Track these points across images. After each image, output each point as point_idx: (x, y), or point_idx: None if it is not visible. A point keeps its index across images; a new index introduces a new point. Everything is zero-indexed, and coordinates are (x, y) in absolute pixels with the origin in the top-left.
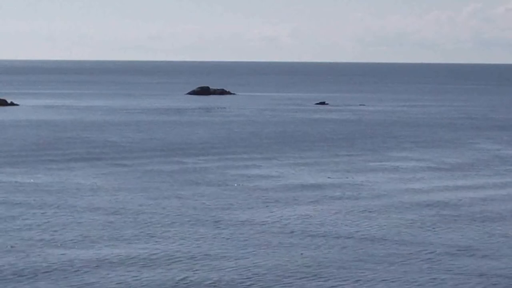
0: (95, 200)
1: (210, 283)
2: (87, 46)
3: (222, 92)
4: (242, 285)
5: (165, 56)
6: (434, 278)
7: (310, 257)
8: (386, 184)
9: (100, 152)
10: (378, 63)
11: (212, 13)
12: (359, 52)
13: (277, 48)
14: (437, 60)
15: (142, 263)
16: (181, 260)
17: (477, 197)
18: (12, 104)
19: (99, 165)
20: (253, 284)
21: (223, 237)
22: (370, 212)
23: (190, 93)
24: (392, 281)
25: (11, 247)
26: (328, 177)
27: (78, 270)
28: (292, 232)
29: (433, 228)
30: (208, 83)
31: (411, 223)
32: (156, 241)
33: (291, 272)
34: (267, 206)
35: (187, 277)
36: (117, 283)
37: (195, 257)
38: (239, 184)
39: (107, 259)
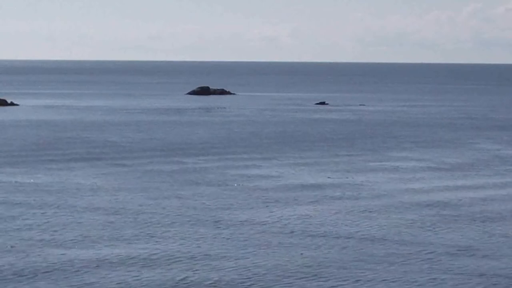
0: (95, 200)
1: (210, 283)
2: (87, 46)
3: (222, 92)
4: (242, 285)
5: (165, 56)
6: (434, 278)
7: (310, 257)
8: (386, 184)
9: (100, 152)
10: (378, 63)
11: (212, 13)
12: (359, 52)
13: (277, 48)
14: (437, 60)
15: (142, 263)
16: (181, 260)
17: (477, 197)
18: (12, 104)
19: (99, 165)
20: (253, 284)
21: (223, 237)
22: (370, 212)
23: (190, 93)
24: (392, 281)
25: (11, 247)
26: (328, 177)
27: (78, 270)
28: (292, 232)
29: (433, 228)
30: (208, 83)
31: (411, 223)
32: (156, 241)
33: (291, 272)
34: (267, 206)
35: (187, 277)
36: (117, 283)
37: (195, 257)
38: (239, 184)
39: (107, 259)
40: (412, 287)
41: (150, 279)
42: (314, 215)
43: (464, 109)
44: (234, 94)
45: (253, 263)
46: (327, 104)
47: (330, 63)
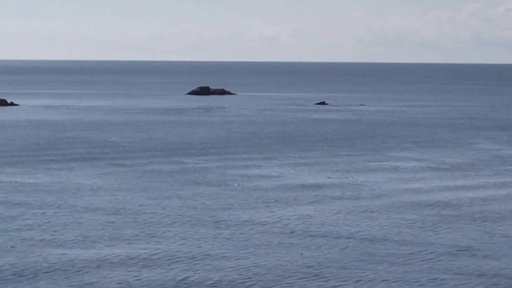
0: (95, 200)
1: (210, 283)
2: (87, 46)
3: (222, 92)
4: (243, 285)
5: (165, 56)
6: (435, 278)
7: (311, 257)
8: (386, 184)
9: (100, 152)
10: (378, 63)
11: (212, 13)
12: (359, 52)
13: (277, 48)
14: (437, 60)
15: (142, 263)
16: (181, 260)
17: (477, 197)
18: (12, 104)
19: (99, 165)
20: (253, 284)
21: (224, 237)
22: (370, 212)
23: (190, 93)
24: (393, 281)
25: (11, 247)
26: (328, 177)
27: (78, 270)
28: (292, 232)
29: (434, 228)
30: (208, 83)
31: (411, 223)
32: (157, 241)
33: (291, 272)
34: (267, 206)
35: (187, 277)
36: (117, 283)
37: (196, 257)
38: (239, 184)
39: (107, 259)
40: (412, 287)
41: (151, 279)
42: (314, 215)
43: (464, 109)
44: (234, 94)
45: (254, 263)
46: (327, 104)
47: (330, 63)
